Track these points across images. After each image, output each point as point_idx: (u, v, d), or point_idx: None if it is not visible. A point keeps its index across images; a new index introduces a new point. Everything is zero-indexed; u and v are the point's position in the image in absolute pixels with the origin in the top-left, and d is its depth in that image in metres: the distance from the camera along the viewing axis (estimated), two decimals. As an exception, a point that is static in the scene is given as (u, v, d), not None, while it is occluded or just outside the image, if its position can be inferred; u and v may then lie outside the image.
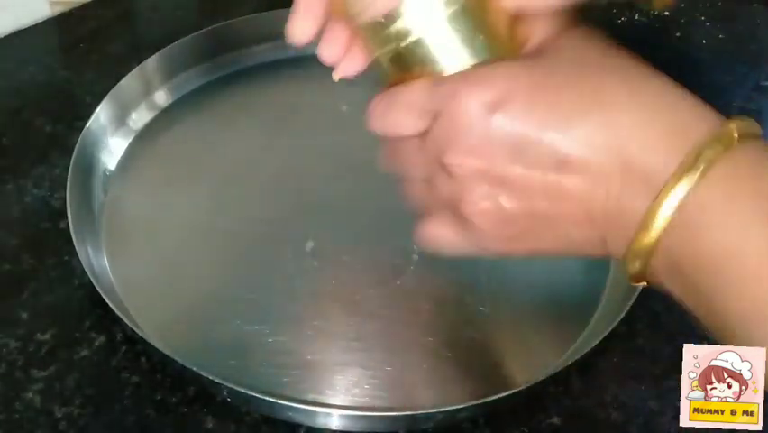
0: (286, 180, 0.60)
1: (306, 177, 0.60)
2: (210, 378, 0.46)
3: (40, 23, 0.70)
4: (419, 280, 0.54)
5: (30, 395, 0.48)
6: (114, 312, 0.48)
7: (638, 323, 0.52)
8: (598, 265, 0.55)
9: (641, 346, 0.52)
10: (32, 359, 0.49)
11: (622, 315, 0.50)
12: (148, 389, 0.49)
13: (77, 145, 0.56)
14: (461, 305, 0.54)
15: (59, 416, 0.47)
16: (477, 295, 0.53)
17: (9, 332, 0.50)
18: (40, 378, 0.49)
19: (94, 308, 0.51)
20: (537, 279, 0.55)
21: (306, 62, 0.66)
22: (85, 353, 0.50)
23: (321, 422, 0.48)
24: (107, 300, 0.49)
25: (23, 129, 0.62)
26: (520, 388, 0.47)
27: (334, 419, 0.47)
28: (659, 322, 0.53)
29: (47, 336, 0.50)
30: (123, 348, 0.50)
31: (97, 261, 0.54)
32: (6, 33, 0.68)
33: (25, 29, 0.69)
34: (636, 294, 0.50)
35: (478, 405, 0.47)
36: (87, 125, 0.58)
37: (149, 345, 0.48)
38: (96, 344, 0.50)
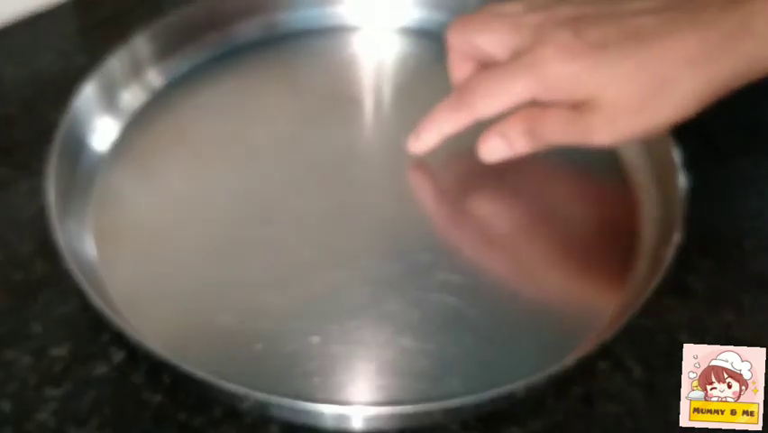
0: (289, 166, 0.56)
1: (310, 161, 0.56)
2: (234, 390, 0.43)
3: (57, 5, 0.66)
4: (432, 269, 0.51)
5: (43, 415, 0.45)
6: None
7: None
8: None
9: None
10: (46, 376, 0.46)
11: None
12: (171, 409, 0.45)
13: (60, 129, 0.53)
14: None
15: (75, 439, 0.44)
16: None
17: (21, 346, 0.47)
18: (53, 397, 0.46)
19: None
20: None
21: (303, 37, 0.64)
22: (103, 369, 0.47)
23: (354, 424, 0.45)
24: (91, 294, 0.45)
25: (38, 122, 0.58)
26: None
27: (366, 419, 0.44)
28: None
29: (62, 351, 0.47)
30: (145, 364, 0.47)
31: (81, 244, 0.51)
32: (21, 18, 0.65)
33: (41, 12, 0.66)
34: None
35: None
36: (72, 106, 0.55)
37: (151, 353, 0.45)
38: (115, 359, 0.47)
